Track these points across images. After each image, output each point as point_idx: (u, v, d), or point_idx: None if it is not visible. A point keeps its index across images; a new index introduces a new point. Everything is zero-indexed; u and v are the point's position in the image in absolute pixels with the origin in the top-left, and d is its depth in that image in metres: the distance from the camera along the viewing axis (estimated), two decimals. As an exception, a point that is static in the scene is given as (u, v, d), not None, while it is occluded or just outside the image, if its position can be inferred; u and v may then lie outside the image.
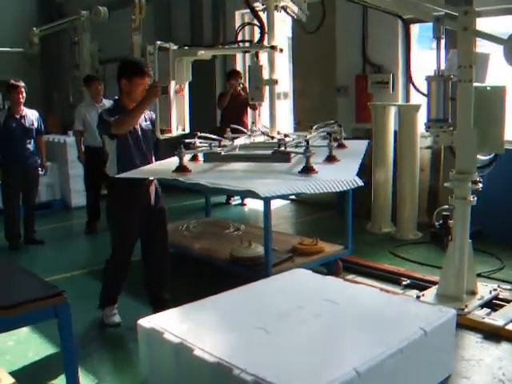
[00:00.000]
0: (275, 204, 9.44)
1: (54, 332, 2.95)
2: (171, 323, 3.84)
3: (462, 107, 4.94)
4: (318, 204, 9.30)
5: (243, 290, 4.40)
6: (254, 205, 9.30)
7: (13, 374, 4.14)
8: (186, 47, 4.27)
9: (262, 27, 4.01)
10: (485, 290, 5.46)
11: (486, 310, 5.14)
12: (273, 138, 4.73)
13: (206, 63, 11.15)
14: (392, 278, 5.97)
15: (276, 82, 4.24)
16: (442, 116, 5.04)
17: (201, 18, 11.64)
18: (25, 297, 2.68)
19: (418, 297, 5.26)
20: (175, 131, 4.35)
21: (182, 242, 6.58)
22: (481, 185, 5.16)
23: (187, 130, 4.95)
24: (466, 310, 5.04)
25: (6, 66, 12.41)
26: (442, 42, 5.04)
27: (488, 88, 4.94)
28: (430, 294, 5.39)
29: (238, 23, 10.71)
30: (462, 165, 5.10)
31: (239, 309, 4.05)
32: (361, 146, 5.69)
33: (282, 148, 4.73)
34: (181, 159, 4.35)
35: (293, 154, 4.84)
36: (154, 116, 5.01)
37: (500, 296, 5.40)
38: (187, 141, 4.74)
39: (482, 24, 6.55)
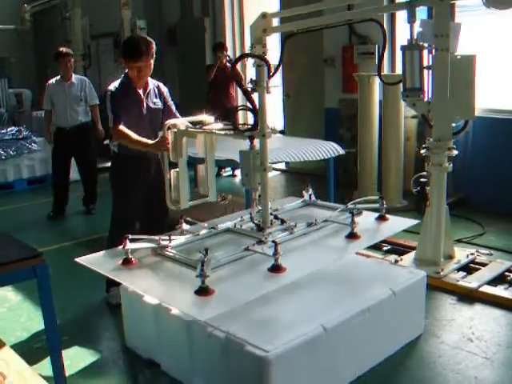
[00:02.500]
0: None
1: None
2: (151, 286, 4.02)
3: (438, 76, 5.06)
4: (307, 174, 9.46)
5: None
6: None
7: (4, 336, 4.37)
8: (191, 129, 4.21)
9: (255, 112, 3.94)
10: (462, 254, 5.63)
11: (462, 274, 5.32)
12: (258, 226, 4.40)
13: (197, 37, 11.33)
14: (374, 244, 6.11)
15: (267, 169, 4.12)
16: (417, 85, 5.15)
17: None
18: (6, 258, 2.86)
19: (396, 261, 5.44)
20: (185, 204, 4.37)
21: (169, 211, 6.71)
22: (456, 152, 5.28)
23: (213, 199, 4.75)
24: (441, 274, 5.21)
25: (-2, 43, 12.53)
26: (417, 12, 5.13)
27: (459, 57, 5.04)
28: (409, 258, 5.57)
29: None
30: (439, 132, 5.22)
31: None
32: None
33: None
34: (126, 253, 3.82)
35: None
36: (165, 90, 4.94)
37: (477, 260, 5.57)
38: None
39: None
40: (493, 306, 4.77)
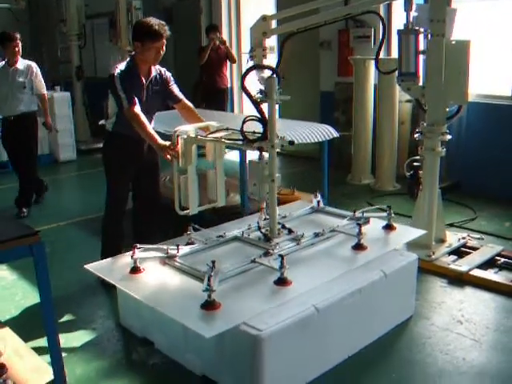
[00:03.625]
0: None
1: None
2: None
3: (432, 61, 5.09)
4: (302, 157, 9.51)
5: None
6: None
7: (1, 316, 4.43)
8: (200, 136, 4.22)
9: (264, 123, 3.93)
10: (454, 238, 5.70)
11: (453, 257, 5.39)
12: (265, 236, 4.41)
13: (192, 18, 11.29)
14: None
15: (275, 180, 4.12)
16: (412, 70, 5.19)
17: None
18: (4, 236, 2.89)
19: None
20: (193, 210, 4.38)
21: (164, 193, 6.75)
22: (449, 136, 5.33)
23: (222, 204, 4.75)
24: (433, 257, 5.28)
25: (-6, 22, 12.42)
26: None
27: (453, 42, 5.07)
28: (401, 241, 5.62)
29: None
30: (433, 117, 5.27)
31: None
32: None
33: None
34: (135, 262, 3.88)
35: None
36: (168, 75, 4.96)
37: (468, 244, 5.63)
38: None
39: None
40: (483, 289, 4.84)
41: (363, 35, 8.46)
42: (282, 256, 3.61)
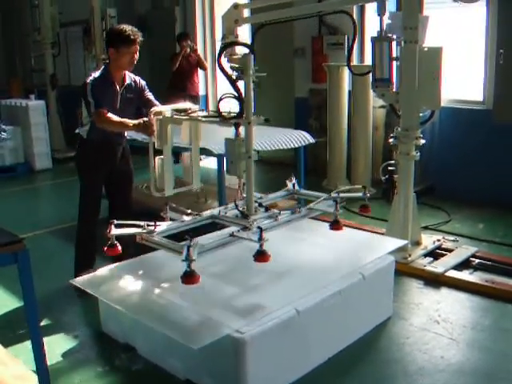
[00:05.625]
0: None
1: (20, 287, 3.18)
2: (126, 272, 4.12)
3: (406, 67, 5.20)
4: (277, 163, 9.56)
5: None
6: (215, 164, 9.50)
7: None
8: (176, 116, 4.24)
9: (240, 100, 3.98)
10: (429, 240, 5.80)
11: (429, 259, 5.49)
12: (243, 213, 4.43)
13: (167, 26, 11.31)
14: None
15: (252, 156, 4.15)
16: (386, 76, 5.29)
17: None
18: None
19: (365, 247, 5.57)
20: (169, 192, 4.39)
21: (141, 200, 6.77)
22: (423, 141, 5.43)
23: (197, 187, 4.80)
24: (409, 259, 5.37)
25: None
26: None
27: (426, 49, 5.17)
28: (377, 244, 5.70)
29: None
30: (406, 122, 5.37)
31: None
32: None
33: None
34: (111, 239, 3.92)
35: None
36: (143, 84, 5.03)
37: (443, 246, 5.74)
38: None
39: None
40: (458, 289, 4.95)
41: (337, 42, 8.56)
42: (260, 228, 3.62)
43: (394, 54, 5.27)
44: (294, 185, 5.06)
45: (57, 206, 8.22)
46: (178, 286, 3.58)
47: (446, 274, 5.13)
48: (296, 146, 6.02)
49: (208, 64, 10.45)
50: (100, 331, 4.37)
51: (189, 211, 4.41)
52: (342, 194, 4.60)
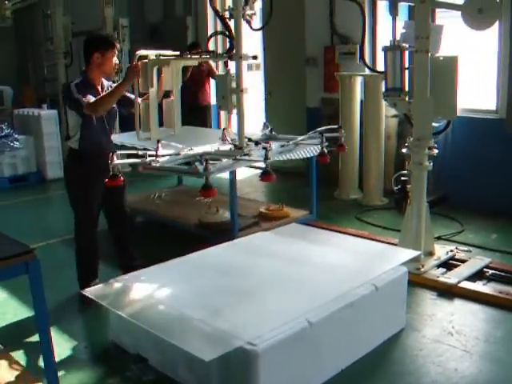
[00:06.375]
0: (247, 173, 9.66)
1: (31, 297, 3.17)
2: (137, 283, 4.11)
3: (418, 77, 5.17)
4: (289, 173, 9.53)
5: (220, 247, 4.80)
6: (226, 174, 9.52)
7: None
8: (162, 57, 4.29)
9: (230, 37, 4.07)
10: (442, 251, 5.75)
11: (442, 270, 5.44)
12: (235, 146, 4.59)
13: (179, 36, 11.33)
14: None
15: (244, 90, 4.24)
16: (398, 85, 5.27)
17: (173, -10, 11.73)
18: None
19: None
20: (156, 135, 4.39)
21: (153, 210, 6.79)
22: (436, 150, 5.40)
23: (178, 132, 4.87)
24: (422, 270, 5.33)
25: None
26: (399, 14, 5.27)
27: (441, 58, 5.15)
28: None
29: (209, -6, 10.84)
30: (419, 132, 5.34)
31: (205, 266, 4.38)
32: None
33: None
34: (113, 169, 4.09)
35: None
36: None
37: (456, 257, 5.69)
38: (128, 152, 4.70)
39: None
40: (472, 301, 4.89)
41: (348, 51, 8.54)
42: (265, 148, 3.71)
43: (407, 64, 5.25)
44: (271, 130, 5.51)
45: (69, 216, 8.10)
46: (189, 298, 3.59)
47: (460, 285, 5.08)
48: (309, 155, 6.00)
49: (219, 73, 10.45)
50: (110, 341, 4.35)
51: (181, 146, 4.60)
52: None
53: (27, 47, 14.28)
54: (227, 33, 4.10)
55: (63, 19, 11.17)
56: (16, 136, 9.94)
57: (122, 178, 3.99)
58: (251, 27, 4.58)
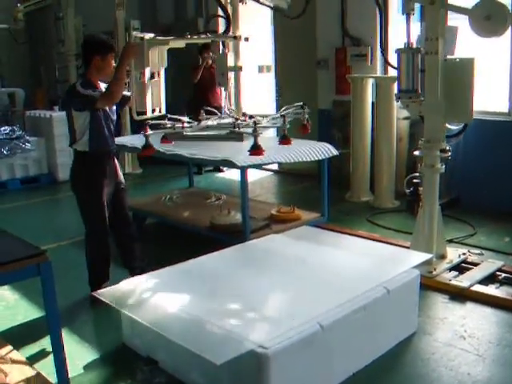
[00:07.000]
0: (259, 175, 9.68)
1: (41, 299, 3.18)
2: (149, 286, 4.10)
3: (429, 78, 5.15)
4: (300, 175, 9.54)
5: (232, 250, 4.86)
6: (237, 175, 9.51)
7: (3, 335, 4.42)
8: (159, 37, 4.41)
9: (227, 18, 4.20)
10: (454, 254, 5.71)
11: (454, 273, 5.40)
12: (237, 119, 5.17)
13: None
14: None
15: (240, 68, 4.49)
16: (411, 87, 5.24)
17: (184, -7, 11.75)
18: (11, 256, 2.90)
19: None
20: (150, 113, 4.51)
21: (164, 212, 6.79)
22: (449, 153, 5.36)
23: (163, 112, 5.13)
24: (434, 273, 5.30)
25: (-8, 42, 12.49)
26: (412, 16, 5.24)
27: (457, 60, 5.12)
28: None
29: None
30: (430, 134, 5.32)
31: (217, 268, 4.37)
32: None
33: (237, 129, 5.36)
34: (147, 138, 4.53)
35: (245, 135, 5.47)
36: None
37: (468, 260, 5.65)
38: (155, 122, 4.93)
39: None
40: (484, 304, 4.86)
41: (360, 53, 8.52)
42: (255, 122, 3.92)
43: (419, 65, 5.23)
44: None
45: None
46: (201, 300, 3.58)
47: (472, 288, 5.05)
48: (320, 158, 5.99)
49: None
50: (122, 344, 4.36)
51: (186, 119, 5.23)
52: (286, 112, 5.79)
53: (39, 49, 14.30)
54: (224, 15, 4.34)
55: (75, 21, 11.24)
56: (27, 138, 9.99)
57: (154, 148, 4.18)
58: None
